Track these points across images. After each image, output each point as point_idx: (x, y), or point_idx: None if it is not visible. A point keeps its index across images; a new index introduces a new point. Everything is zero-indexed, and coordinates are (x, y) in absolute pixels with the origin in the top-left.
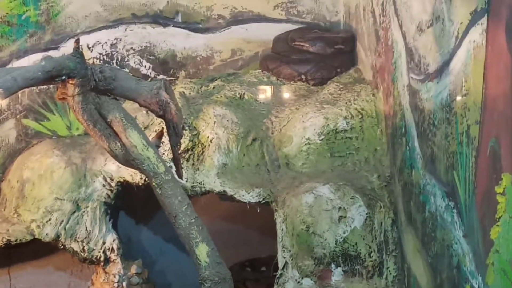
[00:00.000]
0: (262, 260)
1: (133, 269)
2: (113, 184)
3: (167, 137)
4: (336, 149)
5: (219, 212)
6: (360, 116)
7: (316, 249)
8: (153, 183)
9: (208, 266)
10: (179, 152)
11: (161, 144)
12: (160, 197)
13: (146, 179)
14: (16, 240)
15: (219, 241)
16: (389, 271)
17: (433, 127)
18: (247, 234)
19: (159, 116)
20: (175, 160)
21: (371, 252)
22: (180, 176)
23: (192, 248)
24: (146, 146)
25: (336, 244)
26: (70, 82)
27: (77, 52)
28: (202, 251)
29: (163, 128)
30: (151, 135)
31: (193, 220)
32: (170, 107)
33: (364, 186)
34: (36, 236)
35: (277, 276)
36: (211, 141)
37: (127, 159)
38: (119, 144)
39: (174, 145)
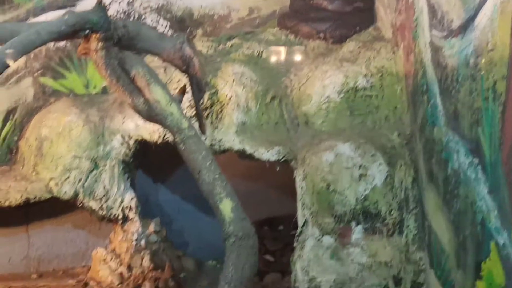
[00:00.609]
0: (279, 219)
1: (151, 227)
2: (131, 142)
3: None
4: (356, 107)
5: (237, 170)
6: (380, 74)
7: (336, 207)
8: (177, 139)
9: (232, 221)
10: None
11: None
12: (183, 153)
13: (165, 137)
14: (34, 198)
15: (238, 199)
16: (409, 229)
17: (456, 84)
18: (265, 192)
19: (182, 71)
20: (198, 116)
21: (392, 210)
22: (204, 132)
23: (216, 203)
24: (169, 101)
25: (356, 202)
26: (94, 36)
27: (100, 6)
28: (226, 206)
29: (185, 84)
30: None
31: (217, 176)
32: (194, 62)
33: (384, 145)
34: (55, 194)
35: (296, 234)
36: (230, 99)
37: (150, 114)
38: (142, 99)
39: (197, 100)
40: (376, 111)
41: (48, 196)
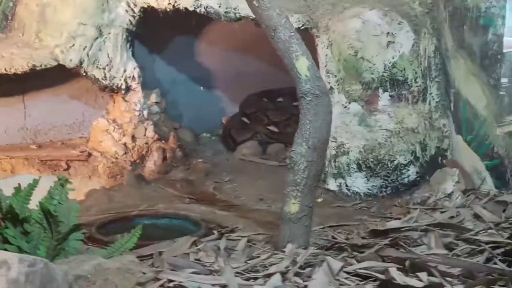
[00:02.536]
0: (276, 91)
1: (153, 98)
2: (136, 10)
3: None
4: None
5: (249, 38)
6: None
7: (364, 74)
8: None
9: (309, 79)
10: None
11: None
12: (257, 10)
13: (175, 4)
14: (40, 65)
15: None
16: (432, 96)
17: None
18: (259, 65)
19: None
20: None
21: (417, 77)
22: None
23: (292, 61)
24: None
25: (384, 69)
26: None
27: None
28: (302, 64)
29: None
30: None
31: (292, 33)
32: None
33: (408, 13)
34: (60, 62)
35: None
36: None
37: None
38: None
39: None
40: None
41: (54, 63)
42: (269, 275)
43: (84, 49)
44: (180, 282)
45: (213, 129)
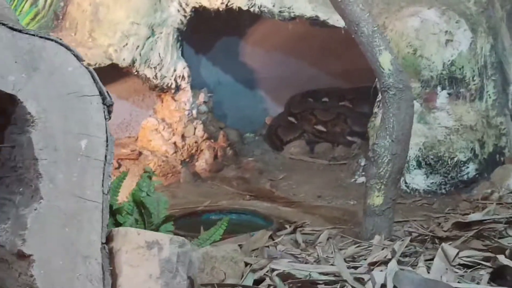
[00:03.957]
0: (322, 91)
1: (201, 97)
2: (187, 9)
3: None
4: None
5: (291, 38)
6: None
7: (423, 72)
8: None
9: (392, 73)
10: None
11: None
12: (339, 5)
13: (228, 4)
14: (95, 64)
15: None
16: (489, 94)
17: None
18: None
19: None
20: None
21: (474, 75)
22: None
23: (375, 56)
24: None
25: (443, 67)
26: None
27: None
28: (386, 58)
29: None
30: None
31: (375, 28)
32: None
33: (463, 11)
34: (114, 61)
35: (377, 99)
36: None
37: None
38: None
39: None
40: None
41: (107, 62)
42: (373, 264)
43: (136, 48)
44: (287, 270)
45: (256, 129)
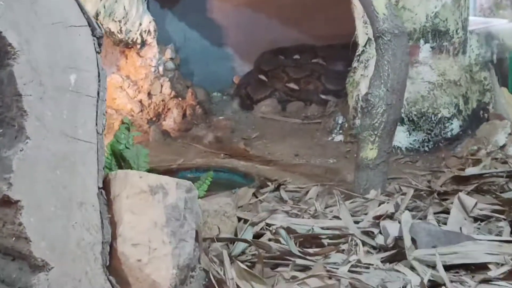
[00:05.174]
0: (294, 48)
1: (168, 54)
2: None
3: None
4: None
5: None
6: None
7: (406, 24)
8: None
9: (387, 18)
10: None
11: None
12: None
13: None
14: None
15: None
16: (472, 49)
17: None
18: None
19: None
20: None
21: (458, 28)
22: None
23: None
24: None
25: (426, 19)
26: None
27: None
28: (380, 2)
29: None
30: None
31: None
32: None
33: None
34: None
35: (357, 54)
36: None
37: None
38: None
39: None
40: None
41: None
42: (377, 218)
43: (100, 0)
44: (285, 225)
45: (223, 89)
